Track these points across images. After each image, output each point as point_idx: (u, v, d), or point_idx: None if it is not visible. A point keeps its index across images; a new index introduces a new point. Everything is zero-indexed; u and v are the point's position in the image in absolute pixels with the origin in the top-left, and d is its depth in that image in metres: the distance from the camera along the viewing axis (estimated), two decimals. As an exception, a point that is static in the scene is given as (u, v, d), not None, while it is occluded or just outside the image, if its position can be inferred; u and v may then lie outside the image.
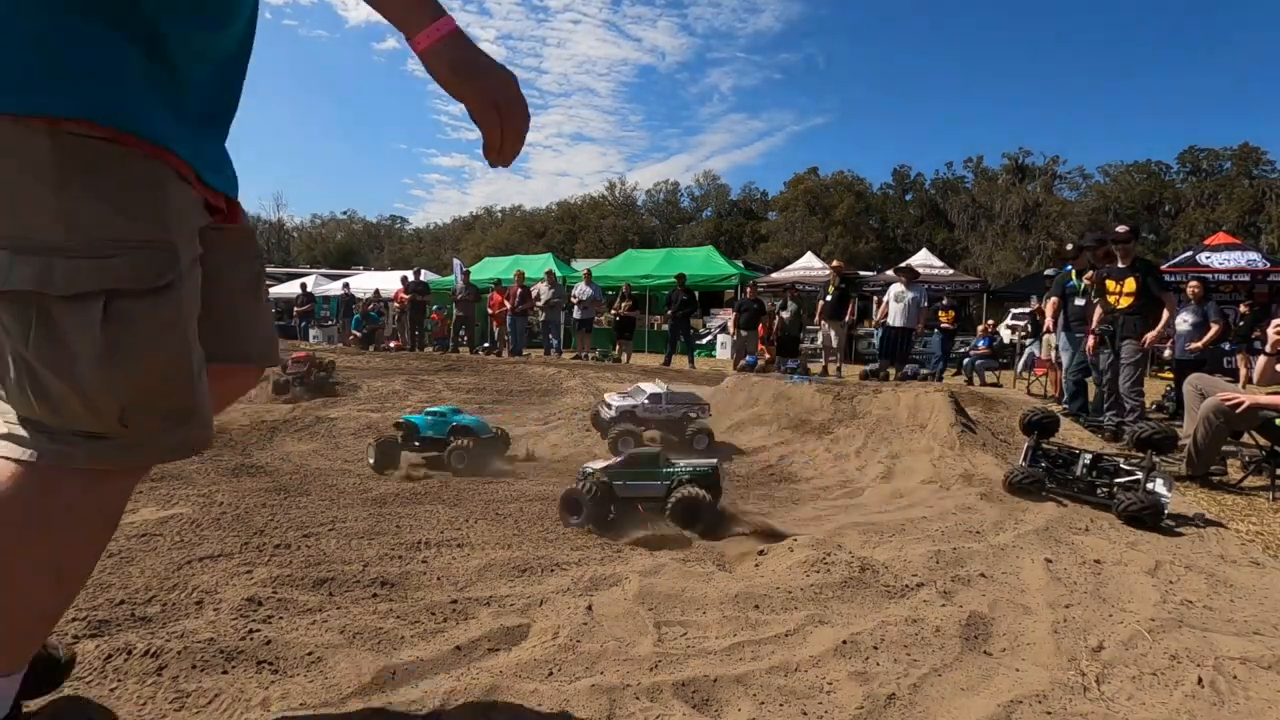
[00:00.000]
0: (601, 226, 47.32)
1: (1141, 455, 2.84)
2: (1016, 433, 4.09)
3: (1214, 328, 6.81)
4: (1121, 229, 5.29)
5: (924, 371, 9.22)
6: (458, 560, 1.94)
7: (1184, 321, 6.74)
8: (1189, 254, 13.52)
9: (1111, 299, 5.17)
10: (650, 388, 4.08)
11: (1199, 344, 6.80)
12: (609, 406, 4.09)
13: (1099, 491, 2.80)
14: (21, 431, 0.79)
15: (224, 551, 1.91)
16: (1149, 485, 2.64)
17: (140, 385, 0.79)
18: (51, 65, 0.72)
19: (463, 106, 0.90)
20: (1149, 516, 2.50)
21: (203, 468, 3.06)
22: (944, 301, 11.21)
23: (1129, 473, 2.80)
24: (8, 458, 0.79)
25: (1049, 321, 7.72)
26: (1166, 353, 7.34)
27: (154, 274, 0.78)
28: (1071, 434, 4.48)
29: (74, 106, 0.72)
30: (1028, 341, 10.48)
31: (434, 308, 15.85)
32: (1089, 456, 2.97)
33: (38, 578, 0.81)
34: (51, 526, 0.80)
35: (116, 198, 0.76)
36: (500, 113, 0.89)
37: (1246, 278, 12.60)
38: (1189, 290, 7.09)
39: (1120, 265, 5.22)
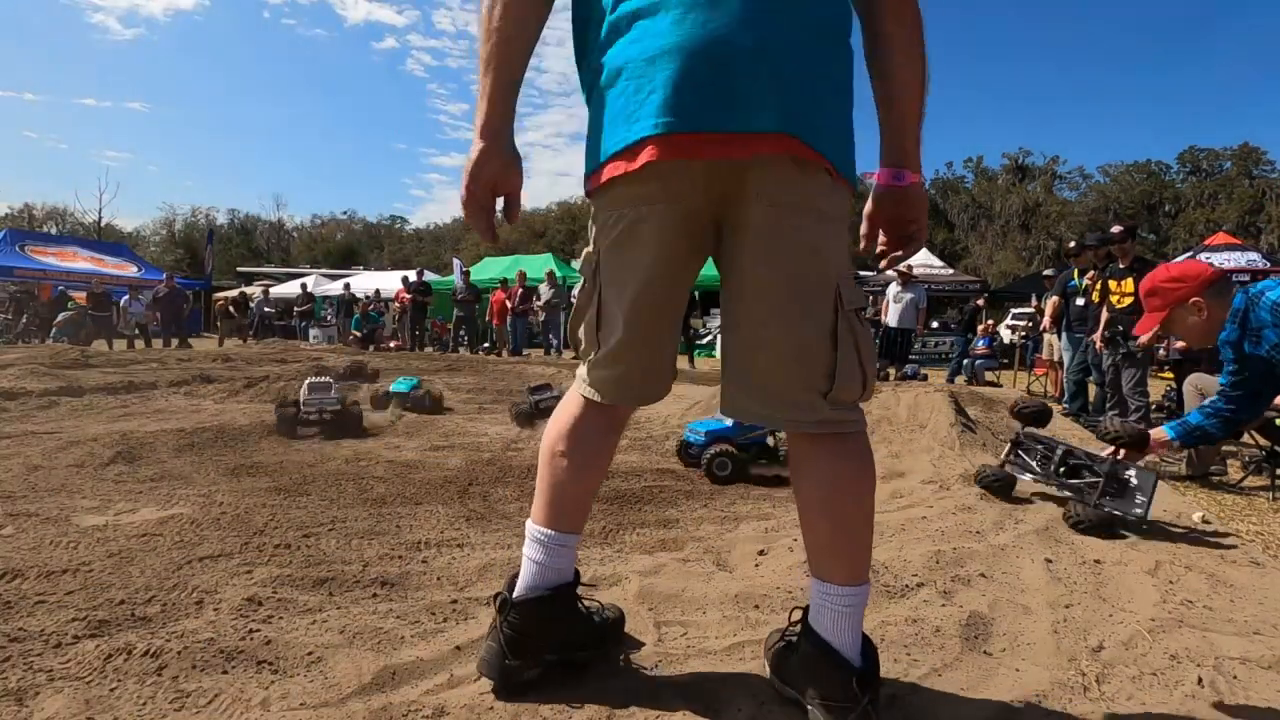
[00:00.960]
0: (601, 226, 47.25)
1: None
2: (1016, 433, 4.09)
3: None
4: (1116, 229, 5.31)
5: (923, 372, 9.20)
6: (458, 560, 1.94)
7: (1175, 320, 6.74)
8: (1189, 254, 13.54)
9: (1114, 299, 5.19)
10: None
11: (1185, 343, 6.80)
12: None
13: (1068, 490, 2.64)
14: (838, 414, 1.11)
15: (224, 551, 1.91)
16: (1130, 484, 2.48)
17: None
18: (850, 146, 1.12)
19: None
20: (1096, 530, 2.31)
21: (203, 467, 3.06)
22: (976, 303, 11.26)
23: (1094, 474, 2.56)
24: (846, 433, 1.12)
25: (1047, 320, 7.73)
26: (1161, 352, 7.34)
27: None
28: (1071, 434, 4.48)
29: (852, 175, 1.12)
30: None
31: (437, 317, 15.89)
32: (1061, 450, 2.78)
33: (871, 510, 1.16)
34: (870, 472, 1.15)
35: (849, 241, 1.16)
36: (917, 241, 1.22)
37: (1246, 278, 12.63)
38: None
39: (1121, 266, 5.23)
